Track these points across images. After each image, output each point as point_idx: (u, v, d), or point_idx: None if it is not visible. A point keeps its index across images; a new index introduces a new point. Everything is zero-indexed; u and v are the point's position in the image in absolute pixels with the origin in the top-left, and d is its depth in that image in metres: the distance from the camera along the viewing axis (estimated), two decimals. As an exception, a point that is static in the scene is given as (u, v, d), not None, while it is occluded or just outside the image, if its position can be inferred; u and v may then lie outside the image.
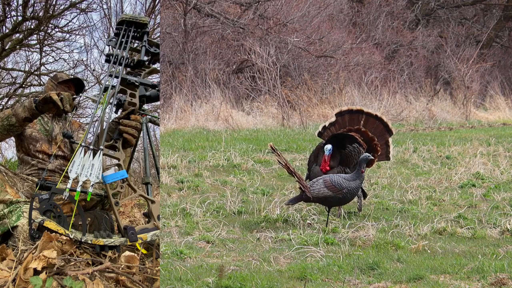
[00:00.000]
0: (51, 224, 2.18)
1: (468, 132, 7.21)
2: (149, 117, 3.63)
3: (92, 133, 2.39)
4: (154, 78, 8.91)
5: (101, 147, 2.32)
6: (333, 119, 3.77)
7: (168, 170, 4.50)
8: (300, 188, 3.32)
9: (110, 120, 2.51)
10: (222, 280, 2.43)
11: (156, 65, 2.75)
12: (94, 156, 2.29)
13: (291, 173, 3.33)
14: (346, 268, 2.69)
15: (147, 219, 2.73)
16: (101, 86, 2.48)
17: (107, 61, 2.58)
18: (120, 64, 2.54)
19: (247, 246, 3.01)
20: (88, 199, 2.27)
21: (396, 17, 11.15)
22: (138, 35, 2.72)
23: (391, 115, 8.26)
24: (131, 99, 2.51)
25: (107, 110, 2.41)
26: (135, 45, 2.80)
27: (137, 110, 2.56)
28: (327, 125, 3.77)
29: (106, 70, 2.39)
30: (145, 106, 3.67)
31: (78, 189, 2.23)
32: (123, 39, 2.64)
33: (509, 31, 12.14)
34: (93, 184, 2.27)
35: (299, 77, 8.67)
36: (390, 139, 3.78)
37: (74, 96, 2.63)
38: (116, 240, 2.28)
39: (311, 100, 8.17)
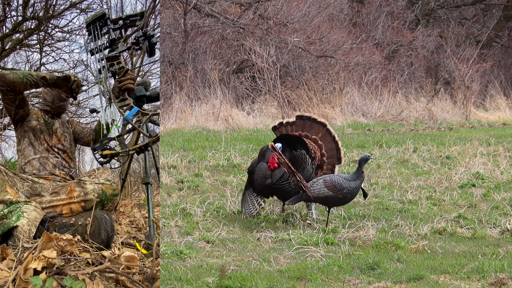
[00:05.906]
0: (107, 152, 2.95)
1: (468, 132, 7.21)
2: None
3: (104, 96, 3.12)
4: (154, 78, 8.91)
5: (112, 101, 3.05)
6: (293, 119, 3.76)
7: (168, 170, 4.50)
8: (300, 188, 3.32)
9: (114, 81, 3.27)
10: (222, 280, 2.43)
11: (128, 31, 3.36)
12: (110, 107, 3.04)
13: (292, 173, 3.33)
14: (346, 268, 2.69)
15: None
16: (99, 72, 3.18)
17: (92, 54, 3.23)
18: (100, 50, 3.19)
19: (247, 246, 3.01)
20: (112, 128, 2.98)
21: (396, 17, 11.14)
22: (103, 24, 3.30)
23: (391, 115, 8.26)
24: (119, 65, 3.19)
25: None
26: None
27: (129, 69, 3.20)
28: (284, 123, 3.76)
29: (93, 61, 3.29)
30: (145, 106, 3.71)
31: (118, 122, 2.99)
32: (95, 33, 3.24)
33: (509, 31, 12.13)
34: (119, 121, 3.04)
35: (299, 77, 8.66)
36: (337, 168, 3.73)
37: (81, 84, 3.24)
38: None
39: (311, 100, 8.16)
